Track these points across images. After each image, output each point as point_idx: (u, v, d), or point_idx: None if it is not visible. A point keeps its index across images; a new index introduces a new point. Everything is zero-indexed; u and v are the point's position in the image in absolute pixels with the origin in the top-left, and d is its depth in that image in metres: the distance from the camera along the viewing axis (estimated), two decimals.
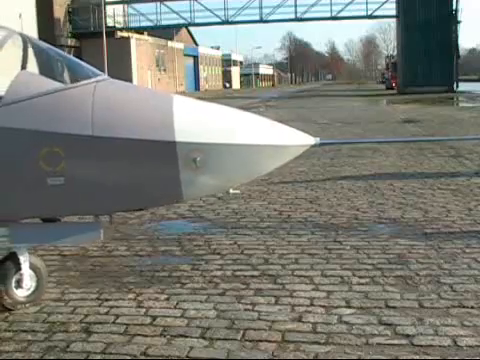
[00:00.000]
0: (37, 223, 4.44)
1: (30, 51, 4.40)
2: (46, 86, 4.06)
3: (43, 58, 4.54)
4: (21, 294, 4.56)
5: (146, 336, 4.03)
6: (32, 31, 37.55)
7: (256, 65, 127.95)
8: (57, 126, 3.95)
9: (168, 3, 55.75)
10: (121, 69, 45.00)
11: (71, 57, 4.64)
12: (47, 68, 4.46)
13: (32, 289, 4.61)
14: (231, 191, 4.63)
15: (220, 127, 4.22)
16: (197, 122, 4.17)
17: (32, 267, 4.57)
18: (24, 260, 4.50)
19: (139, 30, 58.52)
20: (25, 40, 4.42)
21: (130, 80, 45.10)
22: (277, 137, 4.38)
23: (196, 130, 4.11)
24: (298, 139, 4.52)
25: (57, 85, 4.11)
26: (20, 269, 4.50)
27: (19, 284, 4.52)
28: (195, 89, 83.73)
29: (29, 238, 4.44)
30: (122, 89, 4.44)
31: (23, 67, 4.29)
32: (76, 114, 4.01)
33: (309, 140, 4.56)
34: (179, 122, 4.07)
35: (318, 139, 4.59)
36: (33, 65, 4.37)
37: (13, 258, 4.48)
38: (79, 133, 3.95)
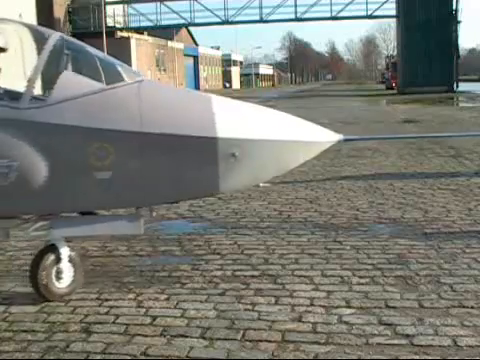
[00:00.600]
0: (79, 216, 4.64)
1: (73, 52, 4.65)
2: (93, 86, 4.32)
3: (87, 59, 4.78)
4: (60, 286, 4.70)
5: (146, 336, 4.03)
6: None
7: (256, 65, 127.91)
8: (107, 123, 4.19)
9: (168, 3, 55.75)
10: None
11: (111, 58, 4.82)
12: (92, 69, 4.63)
13: (70, 281, 4.75)
14: (261, 184, 4.99)
15: (255, 124, 4.56)
16: (235, 119, 4.49)
17: (70, 260, 4.71)
18: (63, 252, 4.65)
19: (139, 30, 58.52)
20: (67, 42, 4.65)
21: None
22: (306, 133, 4.79)
23: (234, 127, 4.43)
24: (324, 135, 4.98)
25: (103, 85, 4.37)
26: (60, 261, 4.64)
27: (58, 276, 4.67)
28: (195, 89, 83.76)
29: (73, 230, 4.65)
30: (162, 89, 4.94)
31: (67, 68, 4.52)
32: (125, 112, 4.26)
33: (334, 137, 5.05)
34: (219, 119, 4.37)
35: (341, 136, 5.10)
36: (77, 66, 4.64)
37: (53, 250, 4.62)
38: (128, 130, 4.22)
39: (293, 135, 4.67)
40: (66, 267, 4.68)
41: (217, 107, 4.46)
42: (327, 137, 5.01)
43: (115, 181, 4.29)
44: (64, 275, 4.68)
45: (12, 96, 4.33)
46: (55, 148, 4.19)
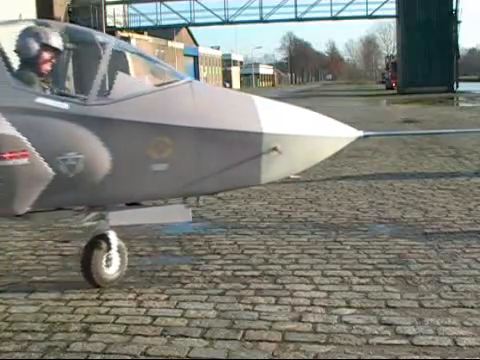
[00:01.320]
0: (132, 206, 4.97)
1: (129, 55, 5.11)
2: (151, 84, 4.79)
3: (140, 60, 5.18)
4: (109, 272, 5.00)
5: (146, 336, 4.03)
6: None
7: (256, 65, 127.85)
8: (165, 119, 4.55)
9: (168, 3, 55.75)
10: None
11: (158, 60, 5.19)
12: (146, 69, 5.21)
13: (117, 268, 5.03)
14: (292, 176, 5.44)
15: (291, 121, 5.07)
16: (274, 116, 4.98)
17: (118, 248, 5.00)
18: (113, 241, 4.95)
19: (139, 30, 58.52)
20: (123, 45, 5.11)
21: None
22: (333, 129, 5.37)
23: (275, 123, 4.91)
24: (348, 132, 5.58)
25: (159, 84, 4.79)
26: (110, 249, 4.95)
27: (108, 263, 4.96)
28: None
29: (127, 219, 5.00)
30: (209, 88, 5.58)
31: (126, 69, 4.93)
32: (181, 108, 4.65)
33: (356, 133, 5.67)
34: (263, 116, 4.86)
35: (362, 132, 5.74)
36: (134, 66, 5.14)
37: (104, 239, 4.92)
38: (184, 125, 4.58)
39: (323, 131, 5.20)
40: (115, 255, 4.97)
41: (259, 105, 4.93)
42: (350, 133, 5.59)
43: (170, 173, 4.63)
44: (113, 262, 4.98)
45: (79, 94, 4.66)
46: (118, 142, 4.47)
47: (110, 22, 53.68)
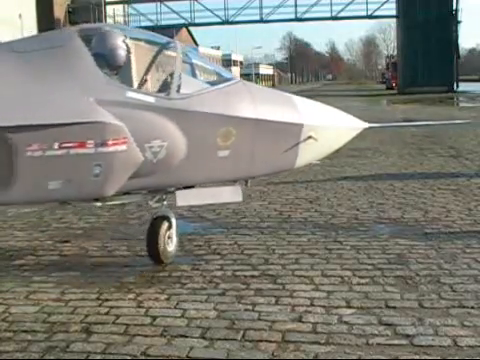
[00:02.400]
0: (195, 188, 5.59)
1: (193, 57, 5.90)
2: (218, 82, 5.68)
3: (203, 62, 6.19)
4: (170, 249, 5.60)
5: (146, 336, 4.03)
6: (32, 31, 37.50)
7: (256, 65, 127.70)
8: (231, 111, 5.30)
9: (168, 3, 55.72)
10: None
11: (213, 63, 6.20)
12: (210, 69, 6.14)
13: (174, 246, 5.68)
14: (314, 162, 6.49)
15: (320, 114, 6.05)
16: (308, 110, 5.93)
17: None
18: (174, 221, 5.60)
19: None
20: (187, 49, 5.92)
21: None
22: (348, 121, 6.44)
23: (310, 116, 5.83)
24: (358, 123, 6.62)
25: (223, 81, 5.65)
26: (171, 228, 5.58)
27: (169, 240, 5.58)
28: None
29: (192, 199, 5.67)
30: (257, 86, 6.60)
31: (195, 68, 5.75)
32: (241, 103, 5.43)
33: (364, 124, 6.68)
34: (301, 110, 5.81)
35: (367, 124, 6.74)
36: (199, 66, 5.86)
37: (167, 219, 5.57)
38: (246, 116, 5.36)
39: (342, 122, 6.29)
40: (174, 233, 5.61)
41: (296, 101, 5.96)
42: (360, 124, 6.60)
43: (231, 158, 5.33)
44: (172, 240, 5.61)
45: (162, 89, 5.27)
46: (194, 130, 5.10)
47: (110, 22, 53.65)
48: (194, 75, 5.68)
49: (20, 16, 35.36)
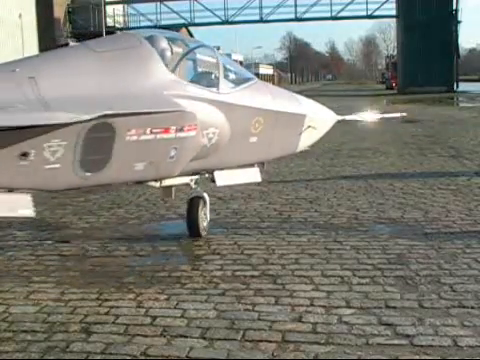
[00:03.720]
0: (228, 170, 6.52)
1: (227, 59, 7.07)
2: (249, 79, 6.72)
3: (232, 64, 7.14)
4: (205, 224, 6.55)
5: (146, 336, 4.03)
6: (32, 31, 37.45)
7: (256, 65, 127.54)
8: (260, 104, 6.41)
9: (168, 3, 55.65)
10: None
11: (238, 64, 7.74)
12: (239, 71, 7.10)
13: (207, 222, 6.60)
14: (306, 148, 7.47)
15: (314, 107, 7.33)
16: (307, 104, 7.22)
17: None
18: (207, 200, 6.55)
19: None
20: (219, 54, 6.86)
21: None
22: (329, 113, 7.70)
23: (308, 109, 7.11)
24: (334, 116, 7.81)
25: (254, 80, 6.76)
26: (205, 206, 6.52)
27: (204, 217, 6.52)
28: None
29: (226, 180, 6.64)
30: (271, 85, 7.93)
31: (231, 69, 6.76)
32: (267, 97, 6.60)
33: (337, 117, 7.85)
34: (303, 103, 7.11)
35: (339, 117, 7.90)
36: (231, 68, 6.83)
37: (202, 198, 6.49)
38: (270, 108, 6.49)
39: (326, 115, 7.58)
40: (207, 210, 6.57)
41: (297, 96, 7.26)
42: (335, 116, 7.80)
43: (258, 144, 6.41)
44: (206, 215, 6.56)
45: (212, 85, 6.14)
46: (236, 120, 6.06)
47: (110, 22, 53.57)
48: (230, 74, 6.63)
49: (20, 16, 35.29)
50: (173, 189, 6.45)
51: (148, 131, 5.24)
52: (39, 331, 4.16)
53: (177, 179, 6.23)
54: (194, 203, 6.43)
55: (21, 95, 4.88)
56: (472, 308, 4.35)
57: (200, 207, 6.42)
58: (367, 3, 52.93)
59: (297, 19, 55.65)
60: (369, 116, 9.61)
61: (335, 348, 3.79)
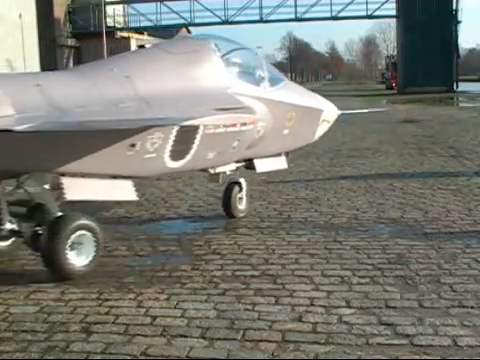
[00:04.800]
0: (265, 158, 7.24)
1: (265, 62, 7.72)
2: (284, 79, 7.70)
3: (269, 65, 7.75)
4: (241, 207, 7.38)
5: (146, 336, 4.03)
6: (32, 31, 37.45)
7: None
8: (294, 100, 7.25)
9: (168, 3, 55.62)
10: None
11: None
12: (275, 71, 7.70)
13: (245, 205, 7.44)
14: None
15: (327, 103, 8.08)
16: (321, 100, 8.01)
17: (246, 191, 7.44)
18: (244, 186, 7.36)
19: (139, 30, 58.41)
20: (261, 57, 7.97)
21: None
22: (336, 110, 8.30)
23: (324, 104, 7.99)
24: (337, 110, 8.37)
25: (285, 80, 7.67)
26: (242, 190, 7.34)
27: (240, 201, 7.36)
28: None
29: (263, 167, 7.36)
30: (295, 83, 8.41)
31: (270, 70, 7.42)
32: (297, 95, 7.48)
33: (338, 111, 8.41)
34: (319, 99, 7.97)
35: (339, 112, 8.44)
36: (269, 70, 7.44)
37: (239, 184, 7.30)
38: (300, 104, 7.32)
39: (334, 110, 8.23)
40: (244, 195, 7.36)
41: (316, 94, 8.04)
42: (338, 111, 8.39)
43: (289, 135, 7.22)
44: (243, 201, 7.38)
45: (259, 84, 6.95)
46: (276, 115, 6.83)
47: (110, 22, 53.56)
48: (270, 75, 7.28)
49: (20, 16, 35.29)
50: (221, 175, 7.08)
51: (222, 125, 6.04)
52: (39, 331, 4.16)
53: (226, 166, 6.93)
54: (231, 187, 7.25)
55: (122, 93, 5.61)
56: (472, 308, 4.35)
57: (236, 191, 7.25)
58: (367, 3, 52.89)
59: (297, 19, 55.61)
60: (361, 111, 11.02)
61: (335, 348, 3.79)
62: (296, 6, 54.00)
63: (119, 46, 52.44)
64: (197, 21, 56.60)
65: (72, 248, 5.11)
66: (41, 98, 5.06)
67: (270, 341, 3.90)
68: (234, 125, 6.19)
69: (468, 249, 5.82)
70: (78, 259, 5.18)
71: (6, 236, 5.67)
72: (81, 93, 5.39)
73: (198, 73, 6.35)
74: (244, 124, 6.29)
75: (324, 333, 4.00)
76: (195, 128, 5.80)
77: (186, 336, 4.01)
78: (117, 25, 56.40)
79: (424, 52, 50.54)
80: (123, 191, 5.62)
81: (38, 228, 5.35)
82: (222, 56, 6.65)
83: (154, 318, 4.33)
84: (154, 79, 5.96)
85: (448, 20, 52.13)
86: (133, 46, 56.22)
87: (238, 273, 5.29)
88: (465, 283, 4.88)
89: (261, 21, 55.70)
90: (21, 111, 4.83)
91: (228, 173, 7.14)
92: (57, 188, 5.25)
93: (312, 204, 8.16)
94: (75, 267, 5.15)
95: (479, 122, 21.15)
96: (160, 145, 5.62)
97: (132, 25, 58.17)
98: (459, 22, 53.80)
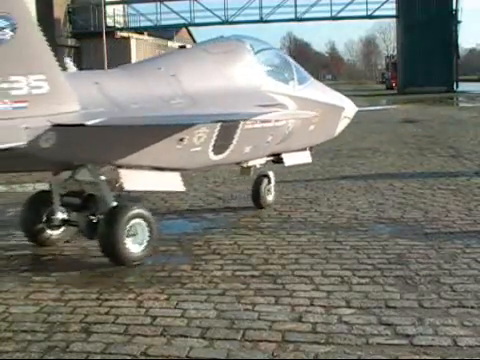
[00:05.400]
0: (292, 152, 7.75)
1: (293, 61, 8.09)
2: (310, 78, 8.09)
3: (296, 65, 8.01)
4: (269, 199, 7.91)
5: (146, 336, 4.03)
6: None
7: None
8: (320, 98, 7.80)
9: (168, 3, 55.58)
10: None
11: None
12: (302, 71, 8.02)
13: (272, 196, 7.98)
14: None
15: (348, 101, 8.57)
16: (344, 98, 8.54)
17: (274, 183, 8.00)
18: (273, 178, 7.93)
19: (139, 30, 58.38)
20: (289, 57, 8.39)
21: None
22: (354, 107, 8.77)
23: (346, 102, 8.50)
24: (356, 108, 8.90)
25: (311, 78, 8.08)
26: (270, 183, 7.88)
27: (269, 192, 7.90)
28: None
29: (291, 161, 7.86)
30: (321, 83, 8.63)
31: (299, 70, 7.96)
32: (321, 93, 8.03)
33: (356, 108, 8.92)
34: (341, 98, 8.48)
35: (357, 108, 8.94)
36: (297, 69, 7.91)
37: (267, 176, 7.85)
38: (325, 102, 7.87)
39: (353, 107, 8.71)
40: (272, 187, 7.91)
41: (338, 93, 8.51)
42: (356, 108, 8.90)
43: (314, 131, 7.71)
44: (271, 192, 7.90)
45: (289, 83, 7.48)
46: (304, 110, 7.16)
47: (110, 22, 53.52)
48: (298, 74, 7.80)
49: None
50: (252, 169, 7.61)
51: (259, 121, 6.49)
52: (39, 331, 4.16)
53: (257, 160, 7.41)
54: (260, 180, 7.78)
55: (170, 91, 6.08)
56: (472, 308, 4.35)
57: (265, 183, 7.76)
58: (367, 3, 52.82)
59: (297, 19, 55.56)
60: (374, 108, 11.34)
61: (335, 348, 3.79)
62: (296, 6, 53.96)
63: (119, 46, 52.44)
64: (197, 21, 56.62)
65: (128, 235, 5.48)
66: (100, 95, 5.47)
67: (270, 341, 3.90)
68: (269, 121, 6.71)
69: (468, 249, 5.82)
70: (134, 246, 5.52)
71: (58, 225, 6.16)
72: (134, 90, 5.82)
73: (236, 72, 6.85)
74: (277, 120, 6.84)
75: (324, 333, 4.00)
76: (236, 124, 6.34)
77: (186, 336, 4.01)
78: (117, 25, 56.36)
79: (424, 52, 50.49)
80: (173, 183, 6.10)
81: (93, 217, 5.75)
82: (256, 56, 7.18)
83: (154, 318, 4.33)
84: (197, 77, 6.43)
85: (448, 20, 52.08)
86: (133, 46, 56.25)
87: (238, 273, 5.29)
88: (465, 283, 4.88)
89: (261, 21, 55.65)
90: (85, 107, 5.20)
91: (258, 166, 7.64)
92: (113, 179, 5.77)
93: (312, 204, 8.16)
94: (131, 253, 5.50)
95: (479, 122, 21.14)
96: (205, 139, 6.12)
97: (132, 25, 58.13)
98: (459, 22, 53.76)
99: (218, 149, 6.34)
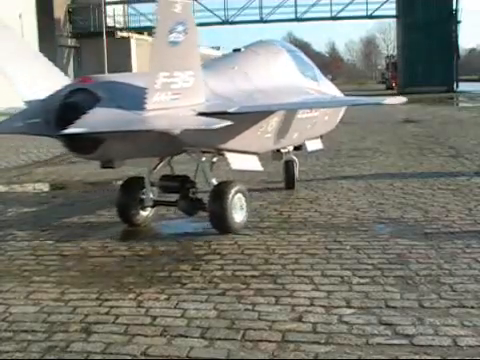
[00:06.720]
0: (313, 140, 8.83)
1: (309, 61, 9.15)
2: (324, 76, 9.31)
3: (314, 64, 9.13)
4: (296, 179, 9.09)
5: (146, 336, 4.03)
6: (32, 31, 37.39)
7: None
8: (333, 92, 8.97)
9: None
10: (121, 69, 44.62)
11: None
12: (317, 69, 9.12)
13: (296, 178, 9.12)
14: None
15: (341, 95, 9.37)
16: (339, 93, 9.34)
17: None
18: (297, 163, 9.01)
19: (139, 30, 58.41)
20: (308, 58, 9.20)
21: None
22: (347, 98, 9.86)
23: (342, 96, 9.44)
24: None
25: (322, 75, 9.22)
26: (296, 166, 9.01)
27: (296, 175, 9.11)
28: None
29: (312, 147, 8.91)
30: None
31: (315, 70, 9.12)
32: (333, 87, 9.29)
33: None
34: (339, 92, 9.32)
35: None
36: (315, 68, 9.10)
37: (294, 161, 8.87)
38: (336, 95, 8.95)
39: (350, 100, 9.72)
40: (297, 171, 9.05)
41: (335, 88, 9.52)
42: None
43: (327, 121, 8.74)
44: (296, 174, 8.99)
45: (314, 80, 8.64)
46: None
47: (110, 22, 53.51)
48: (317, 71, 8.91)
49: (20, 16, 35.26)
50: (283, 154, 8.52)
51: (308, 111, 7.81)
52: (39, 331, 4.16)
53: (290, 147, 8.48)
54: (290, 164, 8.84)
55: (248, 86, 7.15)
56: (472, 308, 4.35)
57: (291, 168, 8.86)
58: (367, 3, 52.80)
59: (297, 19, 55.53)
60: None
61: (335, 348, 3.80)
62: (296, 6, 53.94)
63: (119, 46, 52.42)
64: (197, 21, 55.69)
65: (232, 207, 6.47)
66: (212, 90, 6.56)
67: (270, 341, 3.90)
68: (312, 111, 7.93)
69: (468, 249, 5.82)
70: (237, 216, 6.57)
71: (149, 206, 7.01)
72: (231, 86, 6.94)
73: (281, 70, 7.99)
74: (316, 111, 8.05)
75: (324, 333, 4.00)
76: (295, 112, 7.47)
77: (186, 336, 4.01)
78: (117, 25, 56.35)
79: (424, 52, 50.47)
80: (257, 164, 7.11)
81: (192, 195, 6.79)
82: (291, 57, 8.34)
83: (154, 318, 4.33)
84: (261, 74, 7.53)
85: (448, 20, 52.06)
86: (133, 46, 56.22)
87: (238, 273, 5.29)
88: (465, 283, 4.88)
89: (261, 21, 55.63)
90: (208, 100, 6.28)
91: (284, 152, 8.53)
92: (214, 162, 7.00)
93: (312, 204, 8.16)
94: (236, 222, 6.55)
95: (479, 122, 21.14)
96: (274, 127, 7.17)
97: (132, 25, 58.10)
98: (459, 22, 53.73)
99: (278, 135, 7.39)
